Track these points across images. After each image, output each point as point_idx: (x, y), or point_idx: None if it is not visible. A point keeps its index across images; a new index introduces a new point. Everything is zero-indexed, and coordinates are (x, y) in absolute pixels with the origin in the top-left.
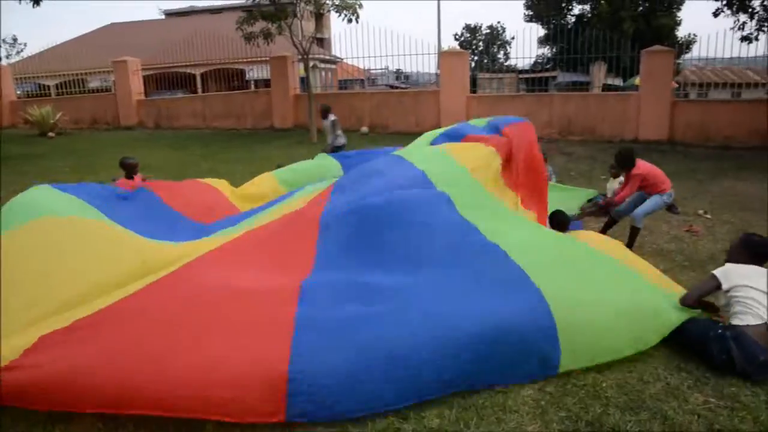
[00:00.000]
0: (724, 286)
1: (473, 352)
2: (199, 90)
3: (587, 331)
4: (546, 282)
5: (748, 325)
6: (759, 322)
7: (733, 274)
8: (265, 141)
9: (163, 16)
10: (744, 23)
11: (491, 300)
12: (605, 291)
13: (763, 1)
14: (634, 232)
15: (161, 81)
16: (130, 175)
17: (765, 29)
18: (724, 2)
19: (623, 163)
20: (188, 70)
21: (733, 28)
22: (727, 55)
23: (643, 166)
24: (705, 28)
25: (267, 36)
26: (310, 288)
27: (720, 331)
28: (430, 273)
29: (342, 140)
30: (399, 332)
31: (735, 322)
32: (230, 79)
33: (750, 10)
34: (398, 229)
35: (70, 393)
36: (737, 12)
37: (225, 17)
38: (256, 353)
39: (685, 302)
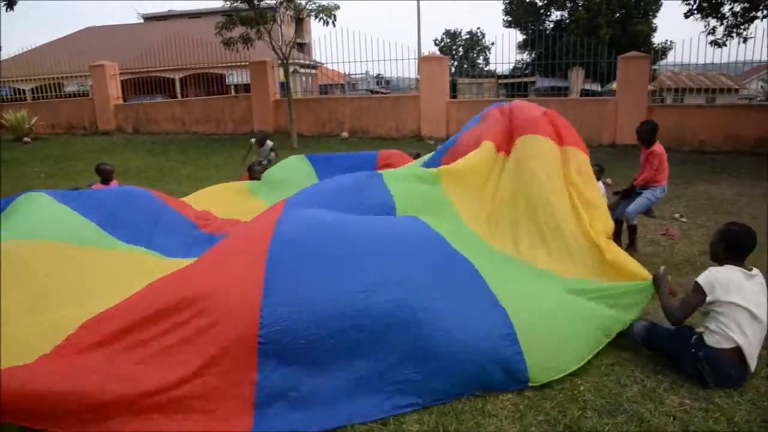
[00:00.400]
0: (708, 298)
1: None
2: (179, 95)
3: (549, 340)
4: (507, 298)
5: (723, 349)
6: (733, 345)
7: (719, 288)
8: (245, 146)
9: (142, 20)
10: (714, 28)
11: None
12: (560, 302)
13: (732, 7)
14: (633, 230)
15: (140, 85)
16: (106, 181)
17: (734, 35)
18: (695, 5)
19: (647, 137)
20: (167, 75)
21: (703, 32)
22: (701, 61)
23: (660, 146)
24: (680, 34)
25: (246, 41)
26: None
27: (693, 350)
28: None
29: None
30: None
31: (709, 341)
32: (210, 83)
33: (719, 15)
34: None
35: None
36: (707, 16)
37: (204, 21)
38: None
39: (673, 321)
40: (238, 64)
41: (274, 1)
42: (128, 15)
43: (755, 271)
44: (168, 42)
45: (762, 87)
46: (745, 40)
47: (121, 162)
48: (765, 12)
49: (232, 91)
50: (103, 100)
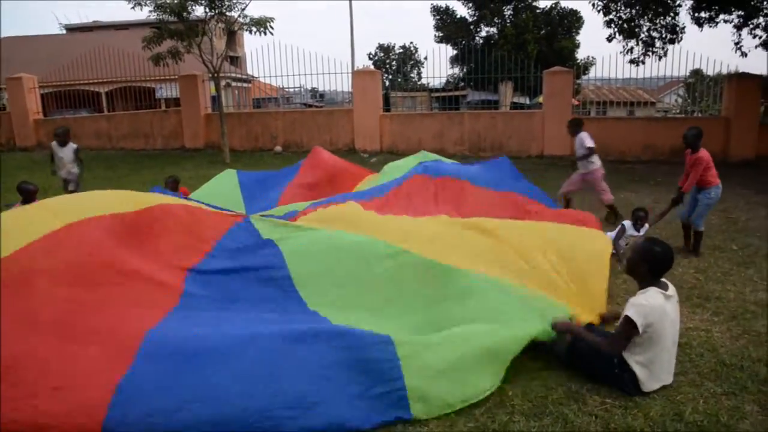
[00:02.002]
0: (640, 330)
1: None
2: (105, 109)
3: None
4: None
5: (644, 370)
6: (658, 385)
7: (649, 319)
8: (175, 162)
9: (64, 31)
10: (632, 48)
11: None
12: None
13: (649, 31)
14: (698, 236)
15: (62, 99)
16: (28, 201)
17: (650, 54)
18: (616, 29)
19: (694, 141)
20: (92, 88)
21: (622, 52)
22: (621, 76)
23: (705, 152)
24: (602, 51)
25: (175, 56)
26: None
27: (617, 371)
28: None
29: (76, 170)
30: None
31: (631, 363)
32: (139, 97)
33: (637, 37)
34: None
35: None
36: (626, 38)
37: (132, 33)
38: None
39: (608, 353)
40: (169, 77)
41: (205, 14)
42: (49, 25)
43: (671, 290)
44: (93, 54)
45: (677, 100)
46: (660, 58)
47: (43, 180)
48: (680, 36)
49: (163, 105)
50: (21, 115)
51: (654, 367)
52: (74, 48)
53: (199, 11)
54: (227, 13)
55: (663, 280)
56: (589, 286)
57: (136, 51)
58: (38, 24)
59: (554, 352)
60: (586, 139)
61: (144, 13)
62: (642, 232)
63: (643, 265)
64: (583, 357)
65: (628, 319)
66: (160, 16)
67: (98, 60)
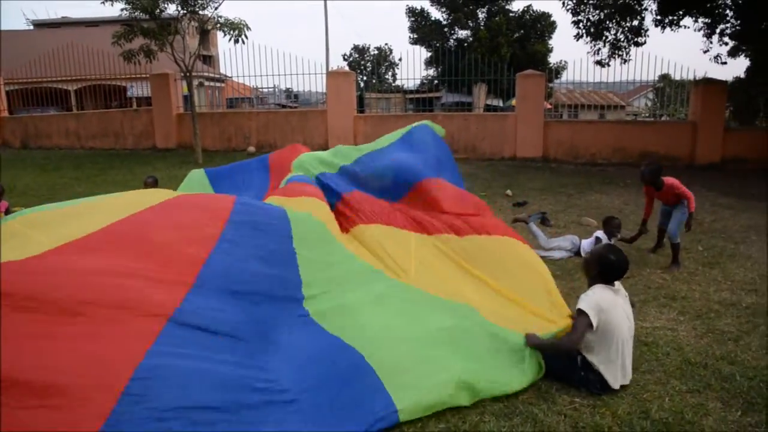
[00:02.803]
0: (594, 323)
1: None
2: (74, 107)
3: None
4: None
5: (608, 368)
6: (617, 363)
7: (600, 311)
8: (146, 162)
9: (31, 27)
10: (599, 49)
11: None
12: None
13: (615, 33)
14: (676, 248)
15: (30, 97)
16: None
17: (616, 56)
18: (584, 30)
19: (652, 179)
20: (61, 86)
21: (589, 53)
22: (593, 79)
23: (670, 180)
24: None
25: (148, 54)
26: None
27: (582, 373)
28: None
29: None
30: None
31: (594, 362)
32: (110, 96)
33: (604, 38)
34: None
35: None
36: (594, 40)
37: (102, 30)
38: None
39: (569, 348)
40: (141, 75)
41: (177, 12)
42: (15, 21)
43: (617, 285)
44: (62, 51)
45: (646, 104)
46: (625, 61)
47: (8, 179)
48: (644, 38)
49: (134, 104)
50: None
51: (616, 362)
52: (42, 44)
53: (171, 9)
54: (200, 12)
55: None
56: (541, 295)
57: (107, 49)
58: (4, 20)
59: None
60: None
61: (115, 10)
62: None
63: (595, 268)
64: (547, 359)
65: (580, 311)
66: (132, 14)
67: (67, 57)
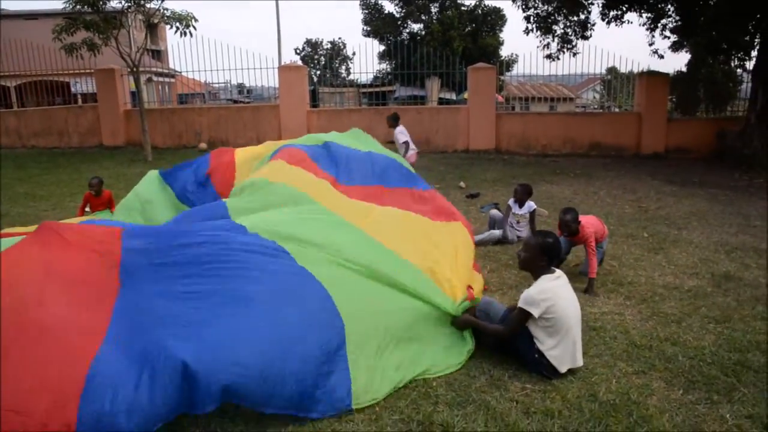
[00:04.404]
0: (535, 314)
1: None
2: (15, 104)
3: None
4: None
5: (558, 356)
6: (568, 351)
7: (542, 302)
8: (93, 160)
9: None
10: (548, 44)
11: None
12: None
13: (564, 27)
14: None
15: None
16: None
17: (565, 50)
18: (534, 25)
19: (570, 227)
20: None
21: (539, 47)
22: (543, 72)
23: (586, 228)
24: (526, 48)
25: (91, 48)
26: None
27: (536, 356)
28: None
29: None
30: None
31: (544, 349)
32: (53, 92)
33: (553, 32)
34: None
35: None
36: (543, 34)
37: (43, 24)
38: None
39: (506, 337)
40: (86, 71)
41: (122, 5)
42: None
43: (558, 272)
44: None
45: (595, 97)
46: (574, 54)
47: None
48: (590, 32)
49: (79, 100)
50: None
51: (566, 349)
52: None
53: (115, 2)
54: (146, 5)
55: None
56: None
57: (48, 43)
58: None
59: (482, 342)
60: (401, 135)
61: (57, 3)
62: (523, 210)
63: (543, 258)
64: (508, 346)
65: (521, 310)
66: (74, 6)
67: (6, 51)
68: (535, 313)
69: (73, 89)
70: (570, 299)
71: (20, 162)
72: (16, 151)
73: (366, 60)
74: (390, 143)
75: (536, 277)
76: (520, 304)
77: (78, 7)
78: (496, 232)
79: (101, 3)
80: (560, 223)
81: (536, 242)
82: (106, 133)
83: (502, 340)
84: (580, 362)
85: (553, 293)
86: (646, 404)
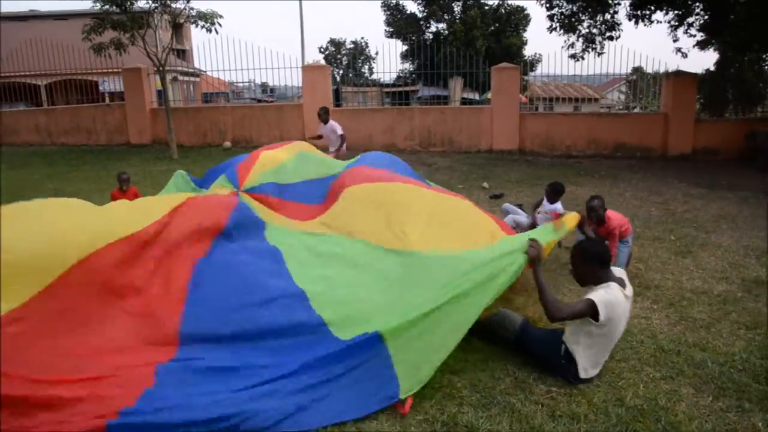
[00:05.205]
0: (601, 319)
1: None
2: (45, 102)
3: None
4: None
5: (587, 372)
6: (600, 367)
7: (611, 314)
8: (120, 158)
9: None
10: (573, 43)
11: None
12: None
13: (589, 27)
14: None
15: None
16: None
17: (590, 50)
18: (558, 23)
19: (599, 214)
20: (30, 81)
21: (563, 47)
22: (568, 72)
23: (613, 219)
24: (550, 48)
25: (119, 47)
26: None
27: (563, 361)
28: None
29: None
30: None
31: (577, 357)
32: (82, 91)
33: (577, 31)
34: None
35: None
36: (567, 33)
37: (72, 24)
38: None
39: (551, 318)
40: (113, 70)
41: (148, 5)
42: None
43: (629, 290)
44: (31, 45)
45: (619, 97)
46: (599, 54)
47: None
48: (618, 32)
49: (107, 99)
50: None
51: (598, 359)
52: (9, 38)
53: (142, 2)
54: (172, 5)
55: (622, 278)
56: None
57: (77, 42)
58: None
59: (502, 339)
60: (338, 128)
61: (85, 4)
62: (551, 208)
63: (592, 266)
64: (533, 344)
65: (593, 305)
66: (102, 7)
67: (36, 51)
68: (603, 316)
69: (101, 88)
70: (625, 318)
71: (50, 159)
72: (45, 149)
73: (389, 59)
74: (318, 138)
75: (599, 284)
76: (595, 299)
77: (106, 7)
78: (523, 219)
79: (128, 3)
80: (588, 210)
81: (576, 252)
82: (133, 131)
83: (550, 315)
84: (598, 369)
85: (619, 313)
86: (674, 410)
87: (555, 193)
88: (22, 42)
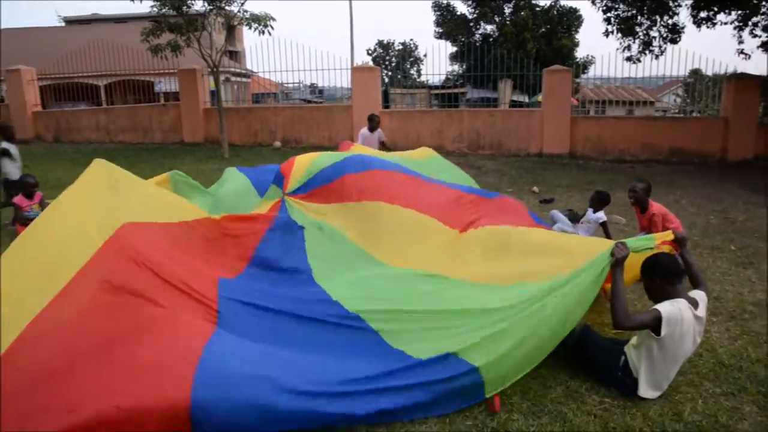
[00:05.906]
0: (662, 333)
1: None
2: (104, 102)
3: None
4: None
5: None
6: (655, 395)
7: (675, 330)
8: (174, 156)
9: (63, 23)
10: (629, 45)
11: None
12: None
13: (647, 29)
14: None
15: (61, 92)
16: (29, 195)
17: (647, 53)
18: (615, 27)
19: (642, 198)
20: (91, 81)
21: (619, 49)
22: (620, 75)
23: (656, 206)
24: (602, 49)
25: (175, 48)
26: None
27: (620, 374)
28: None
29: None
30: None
31: (641, 379)
32: (138, 91)
33: (635, 35)
34: None
35: None
36: (624, 36)
37: (131, 27)
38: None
39: (617, 323)
40: (168, 71)
41: (204, 8)
42: (48, 17)
43: (701, 311)
44: (92, 47)
45: (675, 100)
46: (657, 57)
47: (41, 173)
48: (680, 36)
49: (162, 99)
50: (19, 107)
51: (659, 379)
52: (73, 40)
53: (198, 5)
54: (226, 8)
55: (694, 298)
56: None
57: (135, 44)
58: (38, 16)
59: (560, 343)
60: (383, 136)
61: (144, 7)
62: (593, 217)
63: (659, 281)
64: (593, 345)
65: (659, 316)
66: (160, 10)
67: (97, 53)
68: (664, 331)
69: (156, 88)
70: (694, 339)
71: (109, 156)
72: (105, 146)
73: (438, 61)
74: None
75: (668, 299)
76: (662, 311)
77: (163, 10)
78: (569, 230)
79: (185, 6)
80: (629, 190)
81: (648, 266)
82: (186, 130)
83: (617, 321)
84: (660, 392)
85: (686, 326)
86: (736, 429)
87: (600, 201)
88: (84, 44)
